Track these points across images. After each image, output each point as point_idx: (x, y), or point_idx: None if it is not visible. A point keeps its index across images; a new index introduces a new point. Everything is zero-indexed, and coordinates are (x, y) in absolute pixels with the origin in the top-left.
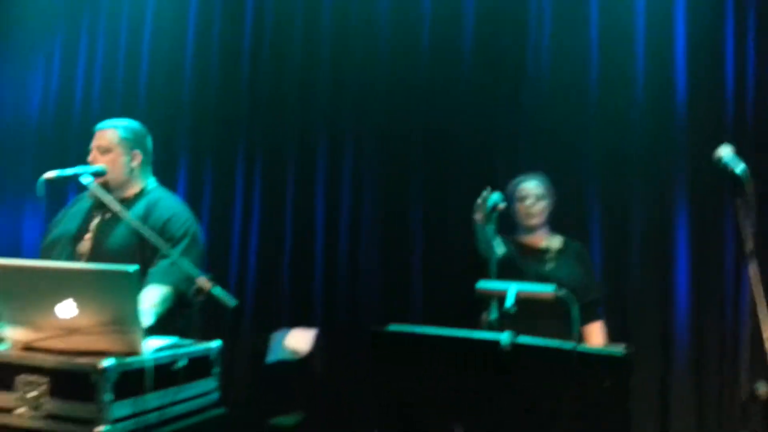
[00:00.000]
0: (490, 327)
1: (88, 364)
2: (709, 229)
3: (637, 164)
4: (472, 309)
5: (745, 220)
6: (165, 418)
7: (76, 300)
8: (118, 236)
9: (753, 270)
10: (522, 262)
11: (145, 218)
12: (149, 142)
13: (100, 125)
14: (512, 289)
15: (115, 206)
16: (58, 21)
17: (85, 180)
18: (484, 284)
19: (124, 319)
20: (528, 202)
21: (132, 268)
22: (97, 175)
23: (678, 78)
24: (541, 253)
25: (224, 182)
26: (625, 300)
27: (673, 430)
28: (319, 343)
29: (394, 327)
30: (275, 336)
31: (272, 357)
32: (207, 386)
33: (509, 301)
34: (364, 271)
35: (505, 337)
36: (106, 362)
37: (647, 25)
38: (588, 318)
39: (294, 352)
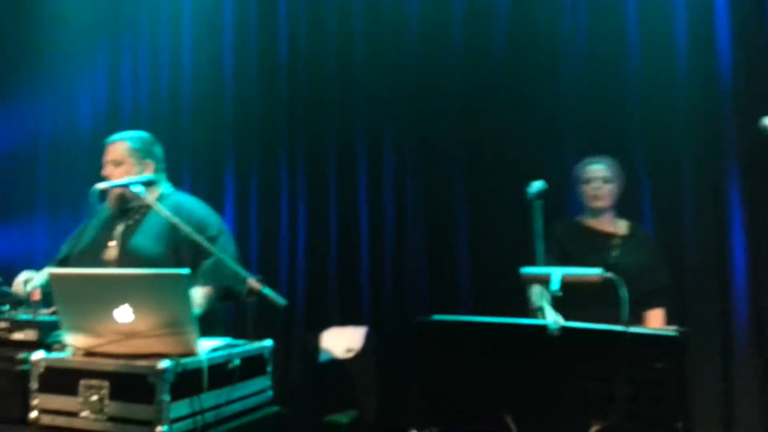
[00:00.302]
0: (540, 314)
1: (146, 367)
2: (764, 201)
3: (684, 142)
4: (522, 300)
5: None
6: (221, 417)
7: (132, 305)
8: (146, 241)
9: None
10: (585, 251)
11: (172, 224)
12: (158, 149)
13: (109, 139)
14: (556, 273)
15: (162, 210)
16: (102, 36)
17: (136, 189)
18: (528, 269)
19: (178, 321)
20: (595, 184)
21: (184, 270)
22: (147, 184)
23: (722, 50)
24: (607, 239)
25: (269, 188)
26: (682, 282)
27: (738, 413)
28: (369, 340)
29: (439, 317)
30: (326, 335)
31: (324, 356)
32: (261, 385)
33: (554, 285)
34: (411, 267)
35: (552, 322)
36: (163, 364)
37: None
38: (649, 304)
39: (345, 351)
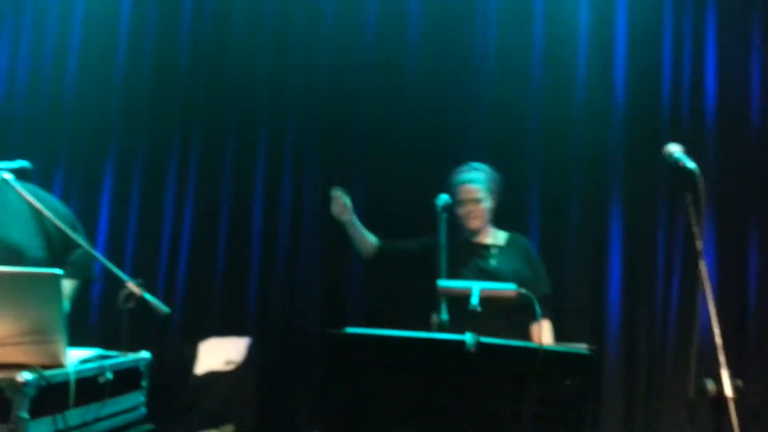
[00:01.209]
0: (441, 328)
1: (4, 379)
2: (642, 227)
3: (575, 162)
4: (416, 311)
5: (695, 216)
6: None
7: None
8: (14, 230)
9: (702, 267)
10: (459, 262)
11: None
12: None
13: None
14: (476, 288)
15: (34, 202)
16: None
17: (5, 175)
18: (446, 283)
19: (45, 328)
20: (468, 207)
21: (57, 270)
22: (19, 171)
23: (617, 79)
24: (484, 249)
25: (154, 183)
26: (561, 298)
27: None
28: (250, 352)
29: (352, 329)
30: (205, 345)
31: (201, 367)
32: (134, 401)
33: (474, 300)
34: (303, 277)
35: (470, 338)
36: (24, 376)
37: (590, 23)
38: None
39: (225, 362)
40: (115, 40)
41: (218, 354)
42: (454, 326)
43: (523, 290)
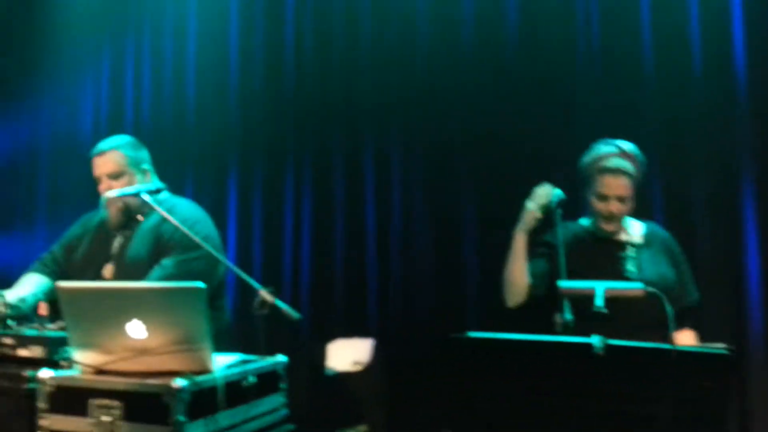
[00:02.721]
0: (566, 329)
1: (161, 386)
2: None
3: (698, 140)
4: (536, 312)
5: None
6: None
7: (144, 320)
8: (134, 251)
9: None
10: (590, 265)
11: (158, 226)
12: (146, 152)
13: (95, 150)
14: (600, 288)
15: (169, 218)
16: (105, 41)
17: (145, 197)
18: (567, 284)
19: (193, 337)
20: (611, 205)
21: (199, 284)
22: (154, 192)
23: (736, 48)
24: (618, 248)
25: (274, 196)
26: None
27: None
28: (376, 353)
29: (474, 333)
30: (332, 347)
31: (331, 369)
32: (275, 402)
33: (599, 301)
34: (419, 278)
35: (597, 341)
36: (179, 382)
37: (703, 10)
38: (678, 325)
39: (353, 363)
40: (227, 62)
41: (346, 355)
42: (580, 327)
43: (651, 289)
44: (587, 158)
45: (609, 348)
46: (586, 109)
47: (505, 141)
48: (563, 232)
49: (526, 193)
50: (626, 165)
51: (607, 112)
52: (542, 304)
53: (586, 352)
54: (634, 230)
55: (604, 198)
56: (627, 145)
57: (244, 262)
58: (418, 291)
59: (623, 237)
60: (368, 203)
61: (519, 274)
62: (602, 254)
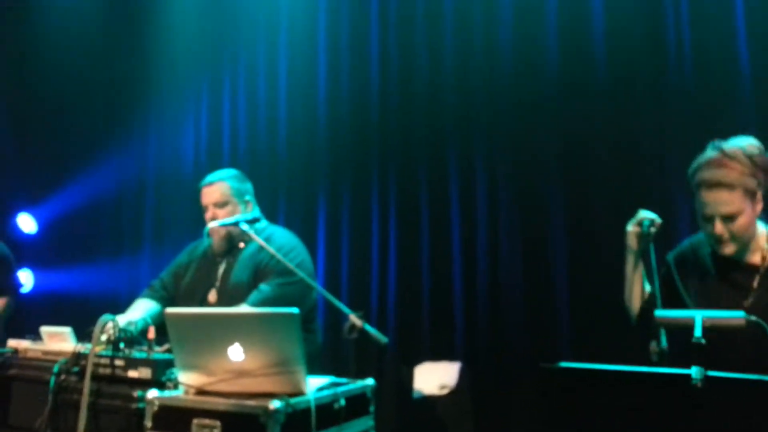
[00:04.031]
0: (661, 358)
1: (258, 407)
2: None
3: None
4: (631, 339)
5: None
6: None
7: (243, 343)
8: (236, 276)
9: None
10: (712, 296)
11: (258, 253)
12: (250, 184)
13: (205, 181)
14: (698, 318)
15: (266, 246)
16: (203, 81)
17: (244, 227)
18: (663, 313)
19: (289, 360)
20: (717, 227)
21: (294, 309)
22: (252, 221)
23: None
24: (743, 273)
25: (361, 219)
26: None
27: None
28: (463, 376)
29: (566, 364)
30: (420, 370)
31: (419, 392)
32: (364, 425)
33: (697, 332)
34: (506, 299)
35: (696, 372)
36: (275, 404)
37: None
38: None
39: (440, 387)
40: (315, 94)
41: (433, 378)
42: (677, 357)
43: (752, 318)
44: (690, 169)
45: (708, 380)
46: (679, 113)
47: (594, 151)
48: (685, 253)
49: (617, 205)
50: (726, 174)
51: (700, 114)
52: (636, 332)
53: (685, 384)
54: (764, 246)
55: (706, 219)
56: (738, 144)
57: (332, 286)
58: (507, 313)
59: (750, 257)
60: (453, 224)
61: (631, 297)
62: (724, 280)
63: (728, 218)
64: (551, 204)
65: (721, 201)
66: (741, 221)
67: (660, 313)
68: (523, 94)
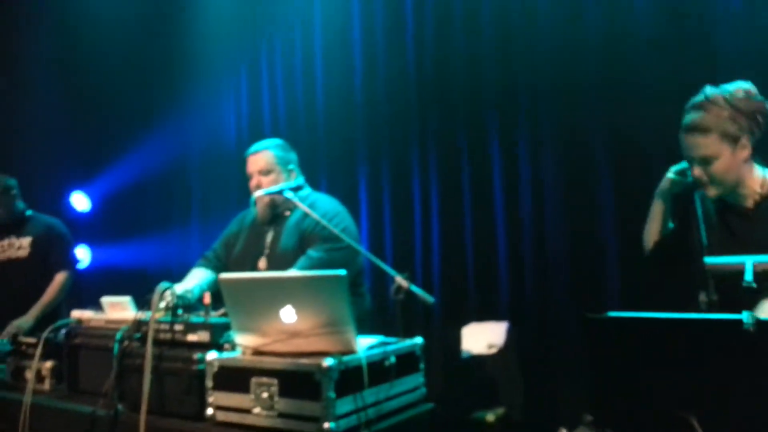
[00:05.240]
0: (711, 307)
1: (312, 365)
2: None
3: None
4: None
5: None
6: (382, 413)
7: (295, 306)
8: (284, 243)
9: None
10: (717, 237)
11: (303, 220)
12: (294, 153)
13: (250, 150)
14: (749, 263)
15: (311, 212)
16: (242, 60)
17: (288, 194)
18: (714, 260)
19: (338, 320)
20: (696, 170)
21: (341, 271)
22: (296, 189)
23: None
24: (740, 219)
25: (402, 184)
26: None
27: None
28: (510, 336)
29: (614, 313)
30: (467, 331)
31: (466, 352)
32: (415, 382)
33: (748, 276)
34: (552, 259)
35: (747, 317)
36: (329, 362)
37: None
38: None
39: (487, 346)
40: (352, 65)
41: (480, 338)
42: (727, 305)
43: None
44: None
45: (760, 324)
46: None
47: (639, 126)
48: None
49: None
50: (703, 118)
51: None
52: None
53: (736, 329)
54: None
55: (688, 162)
56: (725, 89)
57: (377, 250)
58: (552, 270)
59: (746, 203)
60: (495, 181)
61: (650, 230)
62: (730, 224)
63: (704, 161)
64: (597, 163)
65: (696, 144)
66: (718, 165)
67: (709, 260)
68: (565, 66)
